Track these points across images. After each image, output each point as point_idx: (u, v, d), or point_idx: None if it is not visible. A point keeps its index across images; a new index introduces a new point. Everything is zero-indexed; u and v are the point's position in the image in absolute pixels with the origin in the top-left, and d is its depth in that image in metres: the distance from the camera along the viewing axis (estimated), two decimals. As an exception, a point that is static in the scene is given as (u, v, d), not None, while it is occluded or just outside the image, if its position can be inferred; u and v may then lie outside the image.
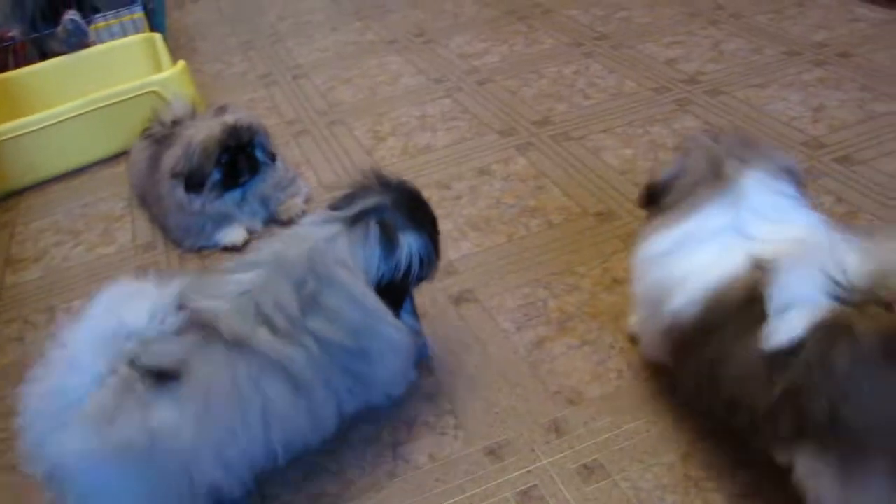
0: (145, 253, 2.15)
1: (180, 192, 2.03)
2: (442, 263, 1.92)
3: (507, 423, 1.51)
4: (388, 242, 1.40)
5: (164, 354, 1.18)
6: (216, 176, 2.03)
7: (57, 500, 1.22)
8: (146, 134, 2.28)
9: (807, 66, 2.67)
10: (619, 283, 1.81)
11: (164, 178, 2.06)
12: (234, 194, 2.08)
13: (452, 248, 1.99)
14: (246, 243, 2.10)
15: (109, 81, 2.68)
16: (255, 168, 2.08)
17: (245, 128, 2.05)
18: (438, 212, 2.08)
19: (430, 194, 2.18)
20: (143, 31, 3.20)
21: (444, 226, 2.04)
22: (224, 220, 2.09)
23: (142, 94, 2.55)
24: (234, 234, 2.09)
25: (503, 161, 2.34)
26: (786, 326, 1.08)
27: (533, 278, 1.86)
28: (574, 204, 2.10)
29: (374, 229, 1.39)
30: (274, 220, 2.17)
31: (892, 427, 1.02)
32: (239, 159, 2.04)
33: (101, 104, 2.54)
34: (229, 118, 2.05)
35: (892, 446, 1.03)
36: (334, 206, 1.46)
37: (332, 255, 1.35)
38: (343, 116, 2.71)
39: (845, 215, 1.92)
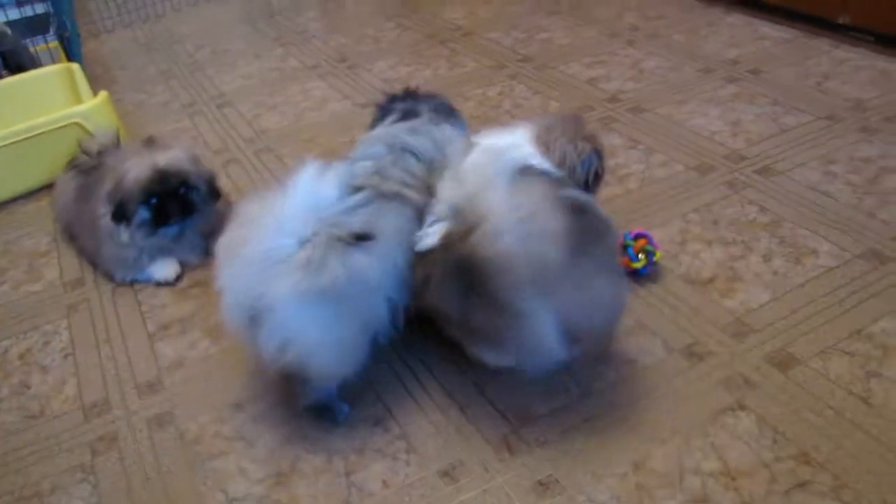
0: (74, 290, 2.09)
1: (108, 220, 1.99)
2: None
3: (458, 444, 1.52)
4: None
5: (356, 223, 1.49)
6: (144, 215, 1.99)
7: (260, 346, 1.47)
8: (72, 165, 2.22)
9: (721, 83, 2.78)
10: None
11: (99, 206, 2.01)
12: (170, 230, 2.04)
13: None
14: (178, 278, 2.06)
15: (28, 113, 2.59)
16: (188, 210, 2.03)
17: (174, 173, 2.00)
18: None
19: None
20: (60, 62, 3.12)
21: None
22: (159, 252, 2.05)
23: (64, 126, 2.47)
24: (166, 269, 2.05)
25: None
26: (427, 239, 1.52)
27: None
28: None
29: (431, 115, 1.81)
30: (210, 255, 2.13)
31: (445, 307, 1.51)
32: (168, 203, 2.00)
33: (21, 137, 2.46)
34: (161, 160, 2.00)
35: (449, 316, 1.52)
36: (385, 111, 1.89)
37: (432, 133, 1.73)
38: (271, 144, 2.69)
39: (769, 224, 2.01)
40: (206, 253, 2.12)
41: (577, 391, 1.60)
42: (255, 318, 1.45)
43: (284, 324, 1.45)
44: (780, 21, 3.22)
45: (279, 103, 2.99)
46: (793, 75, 2.78)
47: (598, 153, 1.71)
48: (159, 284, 2.05)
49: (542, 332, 1.40)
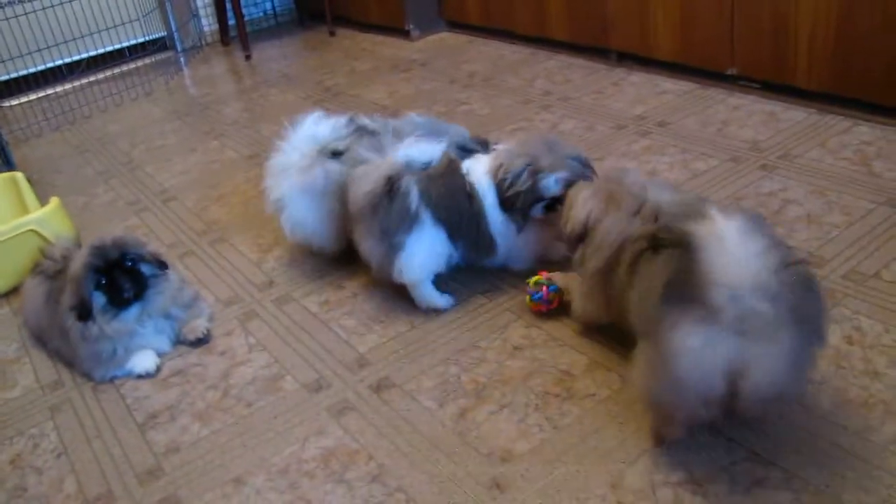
0: (54, 391, 2.16)
1: (76, 323, 2.09)
2: (353, 356, 2.09)
3: (452, 490, 1.66)
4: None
5: (339, 145, 2.30)
6: (100, 299, 2.10)
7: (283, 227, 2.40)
8: (37, 271, 2.31)
9: (634, 137, 3.05)
10: (519, 349, 2.03)
11: (65, 311, 2.11)
12: (130, 312, 2.14)
13: (360, 343, 2.15)
14: (158, 370, 2.16)
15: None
16: (139, 282, 2.13)
17: (110, 245, 2.11)
18: (339, 311, 2.26)
19: (326, 297, 2.35)
20: (-2, 173, 3.19)
21: (347, 322, 2.22)
22: (131, 341, 2.14)
23: (19, 234, 2.55)
24: (146, 361, 2.15)
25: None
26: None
27: (442, 358, 2.04)
28: (462, 286, 2.31)
29: None
30: (181, 342, 2.24)
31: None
32: (116, 277, 2.09)
33: (-26, 248, 2.52)
34: (95, 241, 2.13)
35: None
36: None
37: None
38: (223, 233, 2.82)
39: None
40: (176, 337, 2.24)
41: (549, 428, 1.77)
42: (278, 207, 2.37)
43: (291, 210, 2.36)
44: (678, 76, 3.54)
45: (224, 194, 3.12)
46: (696, 124, 3.08)
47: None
48: (140, 377, 2.14)
49: None
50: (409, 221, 2.08)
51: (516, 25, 4.31)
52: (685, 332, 1.42)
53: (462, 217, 2.15)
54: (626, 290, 1.68)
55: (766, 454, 1.61)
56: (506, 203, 2.15)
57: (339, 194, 2.25)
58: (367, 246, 2.17)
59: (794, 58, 3.07)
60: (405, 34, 4.78)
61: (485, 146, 2.37)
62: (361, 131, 2.35)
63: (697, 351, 1.41)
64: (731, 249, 1.40)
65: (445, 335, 2.13)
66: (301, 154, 2.30)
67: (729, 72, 3.34)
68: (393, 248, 2.11)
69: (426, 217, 2.10)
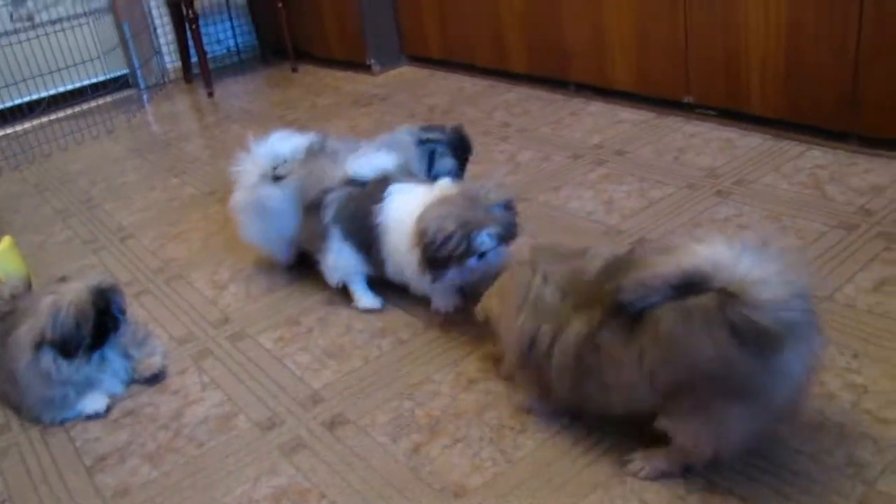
0: (0, 435, 2.11)
1: (46, 361, 2.03)
2: (307, 392, 2.06)
3: (404, 527, 1.63)
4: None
5: (285, 169, 2.43)
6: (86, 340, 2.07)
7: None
8: (-15, 313, 2.26)
9: (591, 166, 3.07)
10: (473, 382, 2.01)
11: (22, 351, 2.05)
12: (96, 356, 2.12)
13: (314, 379, 2.12)
14: (108, 409, 2.12)
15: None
16: (116, 327, 2.14)
17: (108, 288, 2.13)
18: (293, 347, 2.23)
19: (281, 333, 2.33)
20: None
21: (302, 359, 2.20)
22: (86, 385, 2.10)
23: (-31, 276, 2.51)
24: (97, 402, 2.11)
25: (344, 291, 2.50)
26: None
27: (397, 392, 2.02)
28: (418, 320, 2.29)
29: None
30: (135, 381, 2.20)
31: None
32: (105, 320, 2.09)
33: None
34: (92, 282, 2.11)
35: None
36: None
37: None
38: (180, 271, 2.79)
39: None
40: (131, 378, 2.20)
41: (502, 461, 1.75)
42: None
43: (243, 224, 2.57)
44: (635, 105, 3.57)
45: (183, 231, 3.09)
46: (652, 152, 3.10)
47: None
48: (90, 418, 2.10)
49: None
50: (323, 232, 2.31)
51: (476, 58, 4.34)
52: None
53: (365, 239, 2.26)
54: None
55: (722, 482, 1.60)
56: (434, 262, 2.07)
57: (279, 214, 2.44)
58: (307, 244, 2.45)
59: (747, 86, 3.11)
60: (367, 69, 4.80)
61: (441, 130, 2.69)
62: (317, 152, 2.46)
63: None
64: (752, 271, 1.36)
65: (400, 369, 2.11)
66: (251, 173, 2.47)
67: (685, 100, 3.37)
68: (318, 251, 2.38)
69: (335, 231, 2.30)
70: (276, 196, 2.43)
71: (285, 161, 2.44)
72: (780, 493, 1.56)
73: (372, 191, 2.25)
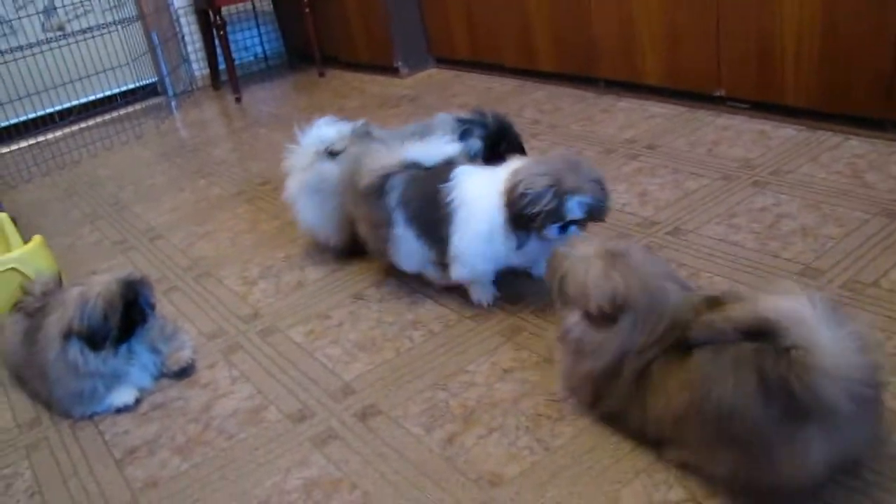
0: (31, 430, 2.09)
1: (74, 352, 2.02)
2: (338, 384, 2.02)
3: (439, 517, 1.59)
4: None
5: (340, 145, 2.49)
6: (114, 332, 2.05)
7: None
8: (17, 308, 2.25)
9: (624, 160, 3.01)
10: (509, 371, 1.96)
11: (51, 343, 2.04)
12: (123, 348, 2.10)
13: (345, 371, 2.08)
14: (138, 402, 2.10)
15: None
16: (144, 320, 2.12)
17: (137, 281, 2.11)
18: (324, 341, 2.20)
19: (311, 327, 2.30)
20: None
21: (333, 351, 2.16)
22: (114, 378, 2.09)
23: (0, 273, 2.50)
24: (125, 394, 2.09)
25: (375, 284, 2.47)
26: None
27: (430, 383, 1.98)
28: (450, 311, 2.25)
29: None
30: (164, 375, 2.18)
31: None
32: (132, 312, 2.08)
33: (-43, 286, 2.47)
34: (120, 274, 2.10)
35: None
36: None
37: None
38: (209, 268, 2.77)
39: (689, 277, 2.18)
40: (160, 372, 2.18)
41: (540, 450, 1.70)
42: (290, 204, 2.62)
43: (297, 207, 2.59)
44: (666, 100, 3.52)
45: (211, 230, 3.08)
46: (685, 145, 3.05)
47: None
48: (119, 411, 2.08)
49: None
50: (388, 218, 2.21)
51: (504, 59, 4.31)
52: (810, 444, 1.33)
53: (431, 221, 2.17)
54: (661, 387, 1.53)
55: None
56: (519, 220, 2.03)
57: (337, 192, 2.46)
58: (363, 231, 2.36)
59: (782, 76, 3.05)
60: (394, 72, 4.78)
61: (482, 114, 2.63)
62: (364, 136, 2.53)
63: (820, 459, 1.35)
64: (828, 339, 1.30)
65: (433, 360, 2.06)
66: (305, 155, 2.54)
67: (717, 93, 3.31)
68: (380, 239, 2.27)
69: (399, 217, 2.20)
70: (334, 171, 2.46)
71: (334, 143, 2.49)
72: (833, 480, 1.49)
73: (438, 172, 2.18)
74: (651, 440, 1.62)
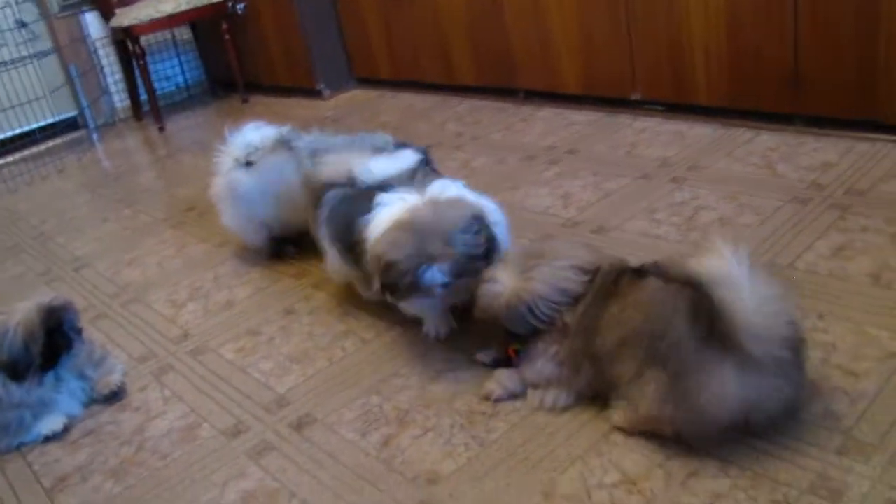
0: (-45, 469, 2.02)
1: None
2: (272, 397, 2.01)
3: (378, 517, 1.59)
4: None
5: (255, 156, 2.60)
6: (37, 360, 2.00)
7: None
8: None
9: (545, 166, 3.07)
10: (442, 372, 1.97)
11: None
12: (49, 376, 2.05)
13: (279, 384, 2.07)
14: (67, 429, 2.05)
15: None
16: (68, 346, 2.07)
17: (60, 307, 2.07)
18: (256, 356, 2.18)
19: (242, 344, 2.28)
20: None
21: (265, 366, 2.15)
22: (41, 407, 2.03)
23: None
24: (54, 422, 2.03)
25: (305, 299, 2.46)
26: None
27: (364, 389, 1.98)
28: (380, 320, 2.25)
29: None
30: (94, 400, 2.13)
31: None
32: (56, 339, 2.03)
33: None
34: (42, 300, 2.05)
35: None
36: None
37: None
38: (137, 294, 2.73)
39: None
40: (89, 398, 2.13)
41: (475, 446, 1.71)
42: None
43: (220, 210, 2.72)
44: (585, 107, 3.60)
45: (137, 257, 3.03)
46: (605, 149, 3.12)
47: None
48: (48, 440, 2.02)
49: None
50: (318, 229, 2.25)
51: (425, 75, 4.36)
52: (726, 378, 1.47)
53: (349, 246, 2.09)
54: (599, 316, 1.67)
55: (700, 447, 1.58)
56: (391, 290, 1.92)
57: (249, 199, 2.60)
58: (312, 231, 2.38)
59: (693, 76, 3.16)
60: (317, 94, 4.79)
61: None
62: (283, 145, 2.63)
63: (733, 395, 1.48)
64: (751, 294, 1.45)
65: (366, 367, 2.07)
66: (227, 159, 2.64)
67: (633, 97, 3.41)
68: (320, 244, 2.30)
69: (325, 233, 2.21)
70: (244, 181, 2.59)
71: (256, 149, 2.60)
72: (759, 450, 1.54)
73: (362, 198, 2.06)
74: (600, 386, 1.70)
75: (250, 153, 2.59)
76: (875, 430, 1.54)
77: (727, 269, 1.47)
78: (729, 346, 1.45)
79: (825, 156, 2.70)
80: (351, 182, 2.17)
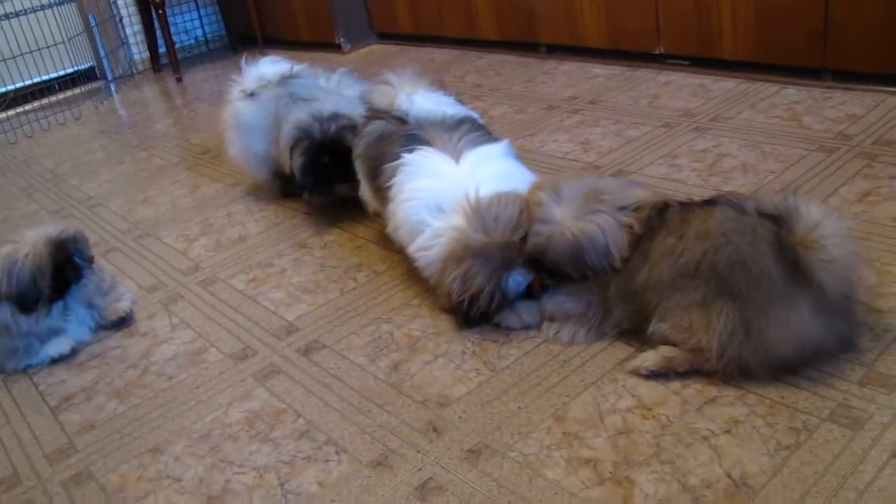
0: (-39, 387, 2.01)
1: (4, 315, 1.94)
2: (281, 324, 1.98)
3: (385, 437, 1.55)
4: None
5: (258, 88, 2.62)
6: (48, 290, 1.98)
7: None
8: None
9: (566, 115, 3.02)
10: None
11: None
12: (58, 305, 2.02)
13: (288, 312, 2.04)
14: (73, 352, 2.03)
15: None
16: (77, 278, 2.05)
17: (69, 239, 2.03)
18: (266, 287, 2.15)
19: (253, 275, 2.25)
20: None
21: (276, 295, 2.12)
22: (51, 334, 2.01)
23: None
24: (61, 344, 2.02)
25: (318, 234, 2.43)
26: None
27: (374, 318, 1.95)
28: (394, 253, 2.21)
29: None
30: (102, 327, 2.11)
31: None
32: (66, 270, 2.01)
33: None
34: (51, 232, 2.02)
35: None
36: None
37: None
38: (149, 229, 2.70)
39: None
40: (97, 325, 2.11)
41: (486, 371, 1.68)
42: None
43: (227, 140, 2.72)
44: (607, 61, 3.54)
45: (151, 196, 3.01)
46: (627, 100, 3.06)
47: None
48: (55, 362, 2.01)
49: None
50: (355, 161, 2.27)
51: (445, 29, 4.30)
52: (803, 316, 1.46)
53: (378, 189, 2.14)
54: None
55: (719, 377, 1.53)
56: (474, 318, 1.80)
57: (250, 130, 2.61)
58: None
59: (719, 31, 3.08)
60: (337, 48, 4.74)
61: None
62: (288, 79, 2.65)
63: (806, 334, 1.48)
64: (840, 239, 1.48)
65: (377, 297, 2.03)
66: (236, 89, 2.66)
67: (657, 51, 3.34)
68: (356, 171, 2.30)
69: (359, 166, 2.25)
70: (243, 111, 2.60)
71: (268, 82, 2.60)
72: (779, 380, 1.50)
73: (396, 140, 2.02)
74: (633, 323, 1.65)
75: (258, 85, 2.59)
76: (898, 364, 1.50)
77: (822, 213, 1.48)
78: (808, 285, 1.44)
79: (853, 108, 2.63)
80: (393, 114, 2.11)
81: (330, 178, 2.36)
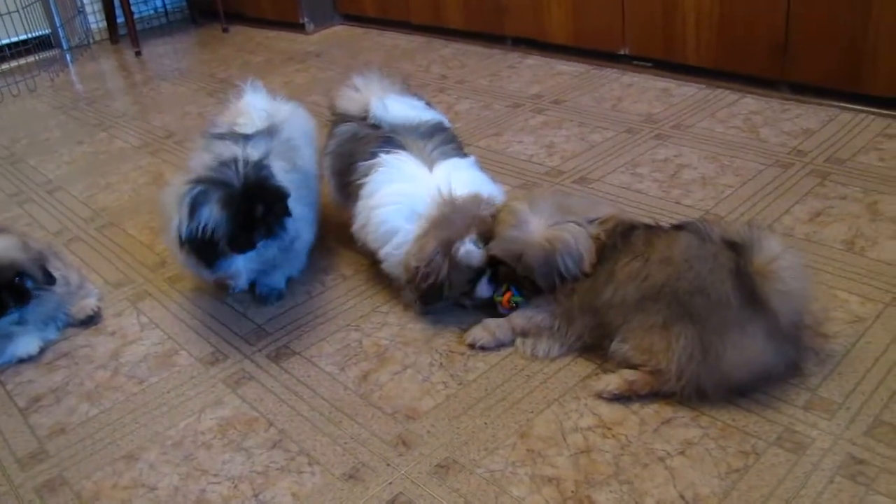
0: (-74, 384, 2.01)
1: None
2: (251, 328, 2.01)
3: (356, 449, 1.61)
4: None
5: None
6: None
7: None
8: None
9: (530, 114, 3.07)
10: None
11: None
12: (7, 319, 1.99)
13: (257, 315, 2.07)
14: (42, 351, 2.03)
15: None
16: (23, 298, 1.98)
17: (7, 266, 1.95)
18: (240, 282, 2.15)
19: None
20: None
21: (244, 296, 2.14)
22: (8, 338, 2.01)
23: None
24: (28, 345, 2.02)
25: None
26: None
27: (343, 325, 1.99)
28: (361, 257, 2.25)
29: None
30: (69, 325, 2.11)
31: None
32: (2, 295, 1.95)
33: None
34: None
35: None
36: None
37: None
38: (112, 219, 2.69)
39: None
40: (64, 324, 2.11)
41: (454, 384, 1.74)
42: None
43: None
44: (572, 58, 3.59)
45: (113, 182, 2.99)
46: (591, 101, 3.12)
47: None
48: (22, 361, 2.01)
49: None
50: (324, 158, 2.34)
51: (411, 15, 4.30)
52: (758, 341, 1.56)
53: (345, 188, 2.19)
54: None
55: (675, 398, 1.62)
56: (432, 294, 1.87)
57: None
58: None
59: (683, 36, 3.15)
60: (300, 28, 4.71)
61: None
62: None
63: (760, 359, 1.58)
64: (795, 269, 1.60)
65: (345, 303, 2.08)
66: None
67: (622, 52, 3.40)
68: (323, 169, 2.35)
69: (328, 163, 2.31)
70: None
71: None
72: (729, 403, 1.59)
73: (368, 141, 2.08)
74: (594, 338, 1.74)
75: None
76: (840, 390, 1.59)
77: (776, 243, 1.59)
78: (763, 312, 1.53)
79: (808, 123, 2.73)
80: (365, 117, 2.16)
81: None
